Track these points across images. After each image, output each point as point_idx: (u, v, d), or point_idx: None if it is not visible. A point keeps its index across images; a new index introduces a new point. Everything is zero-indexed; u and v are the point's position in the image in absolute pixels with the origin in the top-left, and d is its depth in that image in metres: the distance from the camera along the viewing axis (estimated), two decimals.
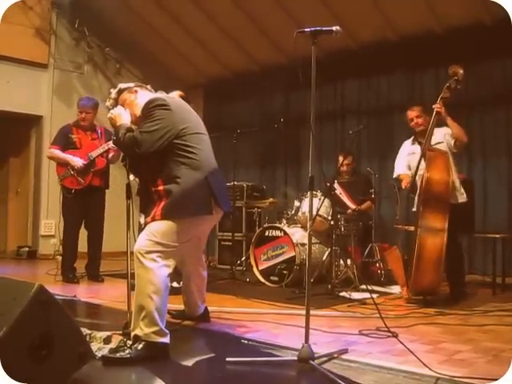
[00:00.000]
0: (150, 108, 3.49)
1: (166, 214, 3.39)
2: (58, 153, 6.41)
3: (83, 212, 6.44)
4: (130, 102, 3.74)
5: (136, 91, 3.78)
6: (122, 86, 3.84)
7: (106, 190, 6.67)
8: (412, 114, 5.71)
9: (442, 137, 5.47)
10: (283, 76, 9.08)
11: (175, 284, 4.65)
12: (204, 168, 3.54)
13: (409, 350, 3.26)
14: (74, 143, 6.45)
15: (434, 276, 5.02)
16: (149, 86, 3.90)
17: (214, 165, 3.71)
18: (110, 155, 6.44)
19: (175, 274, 3.81)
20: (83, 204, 6.38)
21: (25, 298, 2.45)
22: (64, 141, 6.46)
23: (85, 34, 9.54)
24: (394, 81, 8.23)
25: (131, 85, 3.85)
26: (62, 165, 6.39)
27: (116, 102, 3.79)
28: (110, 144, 6.27)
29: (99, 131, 6.61)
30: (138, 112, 3.65)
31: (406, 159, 5.78)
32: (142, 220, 3.58)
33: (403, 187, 5.59)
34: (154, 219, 3.42)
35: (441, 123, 5.47)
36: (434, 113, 5.33)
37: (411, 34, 7.77)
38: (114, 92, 3.84)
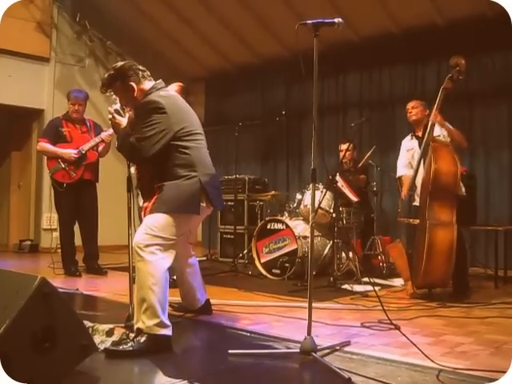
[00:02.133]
0: (146, 111, 3.49)
1: (155, 209, 3.45)
2: (48, 146, 6.38)
3: (76, 205, 6.41)
4: (126, 98, 3.66)
5: (131, 86, 3.59)
6: (113, 72, 3.63)
7: (106, 184, 6.67)
8: (409, 104, 5.73)
9: (440, 131, 5.42)
10: (285, 69, 9.10)
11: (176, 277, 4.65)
12: (197, 167, 3.55)
13: (411, 342, 3.26)
14: (65, 136, 6.42)
15: (446, 268, 4.95)
16: (146, 70, 3.73)
17: (208, 164, 3.72)
18: (100, 148, 6.44)
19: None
20: (76, 197, 6.36)
21: (27, 291, 2.46)
22: (54, 134, 6.42)
23: (86, 28, 9.54)
24: (396, 74, 8.23)
25: (125, 71, 3.62)
26: (53, 158, 6.36)
27: (107, 86, 3.66)
28: (101, 136, 6.27)
29: (89, 124, 6.60)
30: (133, 105, 3.66)
31: (406, 157, 5.74)
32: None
33: (402, 196, 5.58)
34: (145, 214, 3.50)
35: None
36: (430, 122, 5.29)
37: (413, 27, 7.75)
38: (106, 75, 3.67)
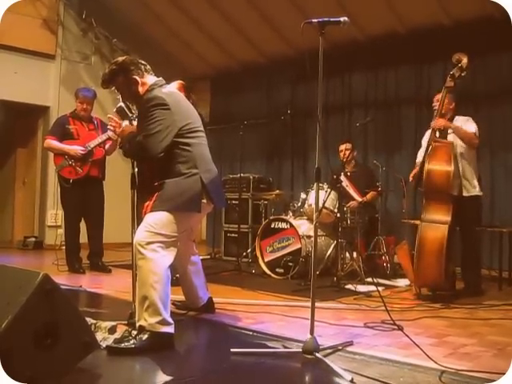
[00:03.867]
0: (149, 107, 3.48)
1: (155, 206, 3.45)
2: (55, 143, 6.40)
3: (82, 202, 6.42)
4: (129, 92, 3.65)
5: (135, 80, 3.60)
6: (116, 67, 3.63)
7: (111, 182, 6.68)
8: (435, 97, 5.61)
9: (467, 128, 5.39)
10: (290, 68, 9.07)
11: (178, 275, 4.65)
12: (198, 164, 3.56)
13: (414, 342, 3.25)
14: (72, 134, 6.43)
15: (435, 270, 4.95)
16: (147, 65, 3.73)
17: (208, 162, 3.73)
18: (107, 146, 6.45)
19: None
20: (82, 194, 6.36)
21: (30, 287, 2.46)
22: (61, 131, 6.44)
23: (92, 25, 9.57)
24: (402, 74, 8.18)
25: (127, 66, 3.62)
26: (59, 155, 6.38)
27: (109, 81, 3.68)
28: (109, 134, 6.27)
29: (96, 122, 6.62)
30: (137, 100, 3.66)
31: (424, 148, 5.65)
32: None
33: (410, 178, 5.58)
34: (145, 212, 3.48)
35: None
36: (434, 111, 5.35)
37: (419, 27, 7.71)
38: (108, 70, 3.66)
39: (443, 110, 5.39)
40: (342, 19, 3.19)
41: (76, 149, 6.28)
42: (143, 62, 3.72)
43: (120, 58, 3.71)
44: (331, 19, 3.20)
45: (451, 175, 5.03)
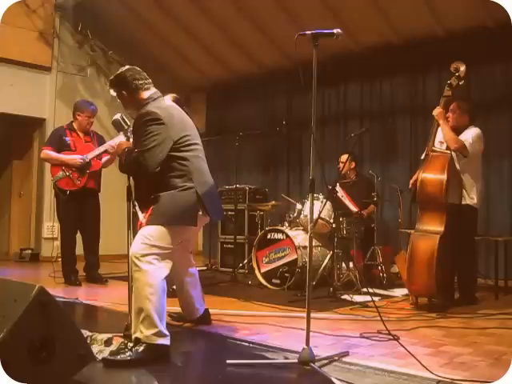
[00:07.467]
0: (144, 123, 3.50)
1: (151, 220, 3.46)
2: (52, 153, 6.39)
3: (78, 214, 6.42)
4: (124, 102, 3.75)
5: (124, 95, 3.73)
6: (112, 79, 3.76)
7: (107, 193, 6.68)
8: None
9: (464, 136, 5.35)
10: (286, 79, 9.09)
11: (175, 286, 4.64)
12: (194, 178, 3.57)
13: (410, 352, 3.25)
14: (69, 145, 6.44)
15: (427, 280, 4.94)
16: (147, 78, 3.78)
17: (205, 174, 3.74)
18: (105, 159, 6.46)
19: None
20: (78, 206, 6.37)
21: (25, 300, 2.46)
22: (58, 142, 6.44)
23: (88, 37, 9.60)
24: (397, 84, 8.22)
25: (122, 79, 3.71)
26: (56, 166, 6.38)
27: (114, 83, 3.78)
28: (106, 146, 6.27)
29: (92, 134, 6.64)
30: (137, 105, 3.70)
31: None
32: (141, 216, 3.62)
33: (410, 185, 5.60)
34: (141, 226, 3.50)
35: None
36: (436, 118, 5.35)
37: (414, 37, 7.76)
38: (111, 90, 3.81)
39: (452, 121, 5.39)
40: (335, 31, 3.22)
41: (75, 157, 6.29)
42: (142, 76, 3.75)
43: (123, 68, 3.78)
44: (324, 31, 3.22)
45: (444, 183, 5.01)
